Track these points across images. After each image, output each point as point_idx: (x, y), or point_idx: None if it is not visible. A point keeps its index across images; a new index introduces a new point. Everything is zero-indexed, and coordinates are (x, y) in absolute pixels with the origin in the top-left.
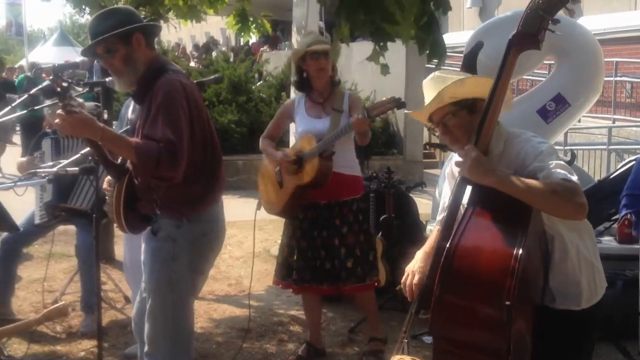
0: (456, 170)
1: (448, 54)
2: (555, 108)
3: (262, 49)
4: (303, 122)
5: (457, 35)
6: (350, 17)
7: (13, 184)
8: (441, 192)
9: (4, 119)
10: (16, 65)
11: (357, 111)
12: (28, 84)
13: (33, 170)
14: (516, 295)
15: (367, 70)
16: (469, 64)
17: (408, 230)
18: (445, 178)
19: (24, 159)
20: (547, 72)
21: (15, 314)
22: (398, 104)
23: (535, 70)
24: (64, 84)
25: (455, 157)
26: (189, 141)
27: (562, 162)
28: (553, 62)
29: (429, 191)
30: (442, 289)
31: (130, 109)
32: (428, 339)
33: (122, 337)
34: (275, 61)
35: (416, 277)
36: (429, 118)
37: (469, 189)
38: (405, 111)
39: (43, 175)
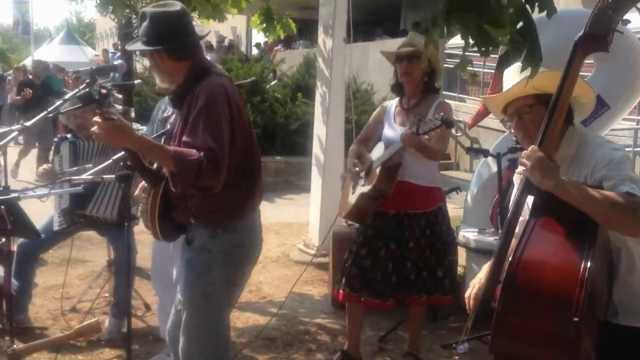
0: (519, 171)
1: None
2: (593, 110)
3: (276, 48)
4: (387, 128)
5: None
6: (462, 18)
7: (48, 191)
8: (473, 197)
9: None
10: (20, 64)
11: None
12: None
13: (68, 178)
14: (585, 310)
15: (385, 71)
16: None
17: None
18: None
19: (45, 166)
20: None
21: (33, 322)
22: (446, 123)
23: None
24: (104, 90)
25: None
26: (229, 148)
27: (633, 175)
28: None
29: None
30: (504, 304)
31: (160, 112)
32: (462, 348)
33: (144, 346)
34: (290, 60)
35: (474, 289)
36: (503, 108)
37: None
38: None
39: (78, 182)
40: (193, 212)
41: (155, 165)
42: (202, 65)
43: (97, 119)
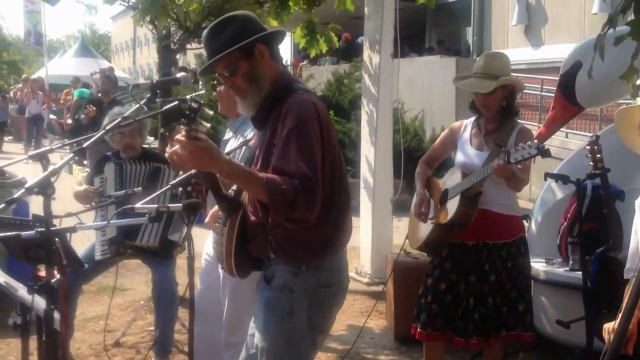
0: None
1: None
2: None
3: (302, 64)
4: (462, 152)
5: None
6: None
7: (106, 222)
8: (538, 224)
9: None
10: (34, 76)
11: None
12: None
13: (130, 206)
14: None
15: (415, 87)
16: (567, 84)
17: None
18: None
19: (83, 187)
20: None
21: (75, 358)
22: (543, 152)
23: None
24: (194, 104)
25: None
26: (322, 174)
27: None
28: None
29: None
30: None
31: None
32: None
33: None
34: (318, 77)
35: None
36: None
37: None
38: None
39: (143, 212)
40: (273, 245)
41: (231, 191)
42: (286, 78)
43: (180, 137)
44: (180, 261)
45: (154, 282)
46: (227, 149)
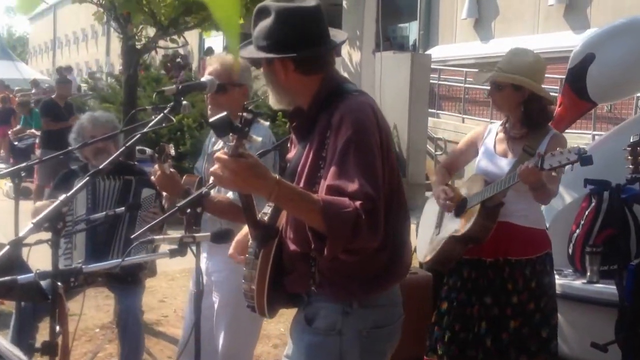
0: None
1: (441, 67)
2: None
3: None
4: (485, 157)
5: (449, 48)
6: None
7: (120, 259)
8: None
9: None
10: None
11: None
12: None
13: (150, 238)
14: None
15: (393, 88)
16: (577, 78)
17: None
18: None
19: (41, 202)
20: None
21: None
22: (583, 159)
23: None
24: (248, 116)
25: None
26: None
27: None
28: None
29: None
30: None
31: (211, 144)
32: None
33: None
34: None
35: None
36: None
37: None
38: None
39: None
40: (316, 278)
41: (263, 213)
42: (335, 80)
43: (221, 155)
44: (152, 282)
45: (120, 311)
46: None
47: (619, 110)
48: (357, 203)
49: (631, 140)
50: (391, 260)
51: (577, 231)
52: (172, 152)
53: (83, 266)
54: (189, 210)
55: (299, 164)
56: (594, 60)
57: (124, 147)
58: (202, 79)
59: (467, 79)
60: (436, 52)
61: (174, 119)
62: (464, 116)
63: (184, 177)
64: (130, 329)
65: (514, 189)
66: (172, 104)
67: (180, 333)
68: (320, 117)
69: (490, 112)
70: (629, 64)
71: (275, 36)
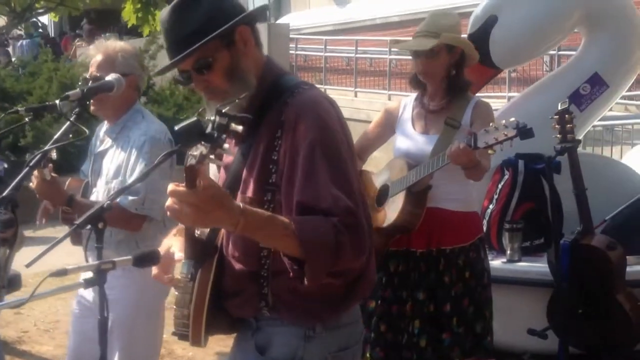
0: None
1: (297, 36)
2: (590, 92)
3: (77, 42)
4: (403, 137)
5: (302, 16)
6: None
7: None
8: None
9: None
10: None
11: (482, 127)
12: None
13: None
14: None
15: None
16: (479, 42)
17: None
18: None
19: None
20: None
21: None
22: (524, 132)
23: None
24: (222, 120)
25: None
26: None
27: None
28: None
29: None
30: None
31: (98, 143)
32: None
33: None
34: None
35: None
36: None
37: None
38: None
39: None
40: (269, 301)
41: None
42: (275, 68)
43: (176, 187)
44: None
45: None
46: (133, 162)
47: (527, 72)
48: (335, 219)
49: (559, 108)
50: (359, 273)
51: (491, 207)
52: (54, 155)
53: None
54: (88, 227)
55: (241, 170)
56: (496, 23)
57: (28, 168)
58: (108, 78)
59: (328, 47)
60: (290, 21)
61: (86, 130)
62: (325, 87)
63: (68, 182)
64: None
65: (443, 170)
66: (77, 110)
67: (48, 350)
68: (265, 114)
69: (354, 82)
70: (534, 23)
71: (224, 12)
